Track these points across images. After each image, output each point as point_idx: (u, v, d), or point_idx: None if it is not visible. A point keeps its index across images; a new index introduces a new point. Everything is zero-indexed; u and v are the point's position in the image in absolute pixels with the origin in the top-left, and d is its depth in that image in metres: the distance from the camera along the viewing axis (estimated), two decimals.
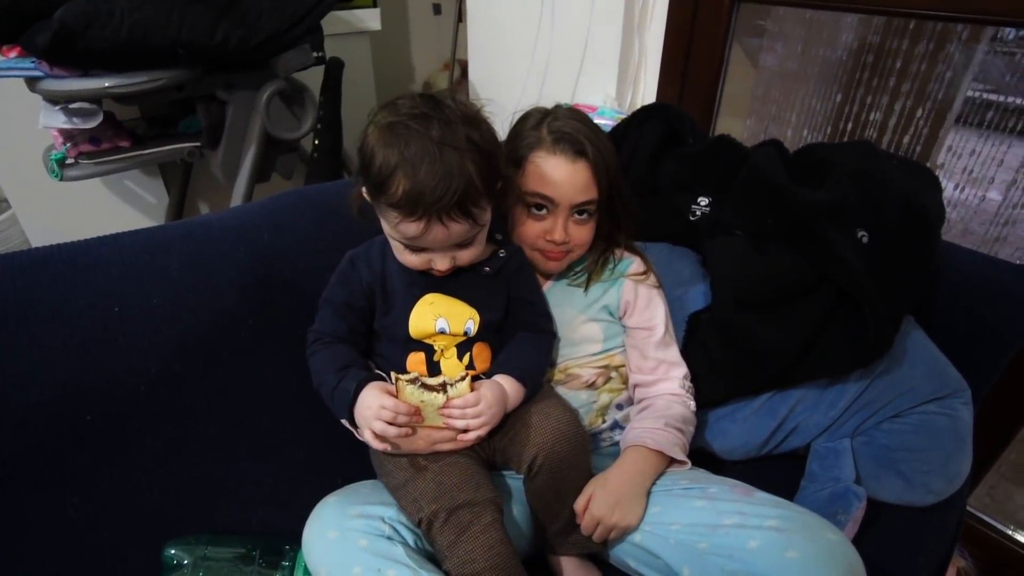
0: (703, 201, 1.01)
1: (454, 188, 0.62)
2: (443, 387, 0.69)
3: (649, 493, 0.77)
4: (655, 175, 1.06)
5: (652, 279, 0.91)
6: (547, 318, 0.86)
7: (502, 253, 0.81)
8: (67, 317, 0.67)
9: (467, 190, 0.64)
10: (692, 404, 0.88)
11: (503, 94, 1.69)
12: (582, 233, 0.85)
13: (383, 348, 0.79)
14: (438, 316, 0.75)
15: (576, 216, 0.84)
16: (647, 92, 1.46)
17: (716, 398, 0.90)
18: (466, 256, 0.73)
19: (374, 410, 0.68)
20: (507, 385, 0.74)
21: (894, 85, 1.21)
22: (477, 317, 0.77)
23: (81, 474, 0.68)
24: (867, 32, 1.21)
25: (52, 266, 0.69)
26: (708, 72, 1.30)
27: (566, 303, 0.90)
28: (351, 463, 0.83)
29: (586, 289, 0.90)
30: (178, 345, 0.74)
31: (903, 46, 1.20)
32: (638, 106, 1.18)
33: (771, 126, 1.35)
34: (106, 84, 1.24)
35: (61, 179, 1.40)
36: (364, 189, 0.72)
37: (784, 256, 0.85)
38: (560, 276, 0.93)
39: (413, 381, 0.69)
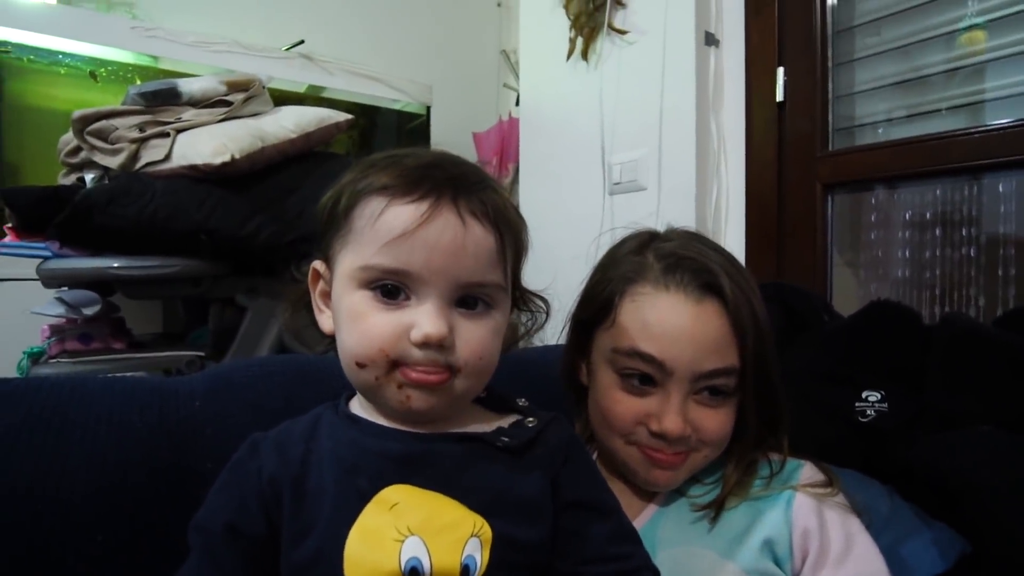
0: (872, 397, 0.69)
1: (477, 171, 0.42)
2: None
3: None
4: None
5: (842, 497, 0.53)
6: (636, 542, 0.45)
7: (530, 422, 0.44)
8: None
9: (496, 198, 0.41)
10: None
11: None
12: (714, 424, 0.52)
13: None
14: (407, 533, 0.37)
15: (703, 395, 0.52)
16: None
17: None
18: (473, 334, 0.39)
19: None
20: None
21: None
22: (486, 530, 0.38)
23: None
24: None
25: None
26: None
27: (691, 540, 0.52)
28: None
29: (717, 516, 0.53)
30: None
31: None
32: None
33: None
34: (115, 264, 1.11)
35: (25, 375, 1.18)
36: (323, 245, 0.44)
37: None
38: (673, 493, 0.56)
39: None
